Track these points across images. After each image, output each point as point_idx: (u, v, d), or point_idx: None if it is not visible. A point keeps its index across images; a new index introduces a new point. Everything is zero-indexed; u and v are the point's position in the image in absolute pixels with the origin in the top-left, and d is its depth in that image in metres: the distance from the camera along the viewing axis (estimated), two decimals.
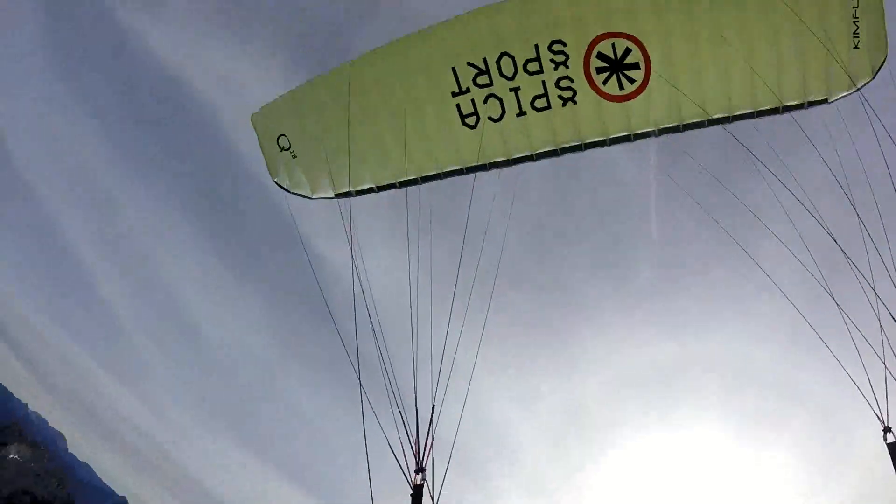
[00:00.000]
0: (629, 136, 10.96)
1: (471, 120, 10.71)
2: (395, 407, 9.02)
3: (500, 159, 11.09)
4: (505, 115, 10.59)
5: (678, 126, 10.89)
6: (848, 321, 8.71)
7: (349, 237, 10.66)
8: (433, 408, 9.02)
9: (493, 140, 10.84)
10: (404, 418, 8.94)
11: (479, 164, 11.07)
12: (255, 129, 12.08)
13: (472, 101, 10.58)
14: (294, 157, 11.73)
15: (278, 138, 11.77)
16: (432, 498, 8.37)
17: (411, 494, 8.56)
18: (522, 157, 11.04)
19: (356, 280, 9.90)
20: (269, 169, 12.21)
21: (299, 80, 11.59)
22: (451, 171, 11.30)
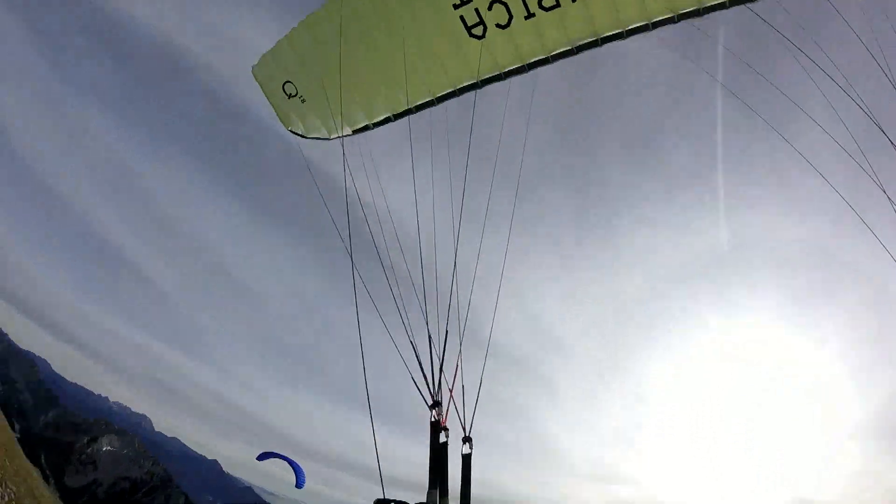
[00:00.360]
0: (647, 24, 10.12)
1: (478, 30, 10.03)
2: (409, 331, 8.20)
3: (515, 66, 10.39)
4: (513, 20, 9.84)
5: (698, 10, 9.99)
6: (892, 200, 8.10)
7: (345, 161, 10.22)
8: (446, 333, 8.23)
9: (504, 47, 10.14)
10: (424, 347, 8.07)
11: (494, 74, 10.44)
12: (257, 81, 11.68)
13: (476, 10, 9.84)
14: (303, 101, 11.31)
15: (283, 85, 11.36)
16: (463, 428, 7.61)
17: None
18: (537, 60, 10.33)
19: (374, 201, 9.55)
20: (280, 119, 11.85)
21: (293, 21, 11.06)
22: (467, 86, 10.68)
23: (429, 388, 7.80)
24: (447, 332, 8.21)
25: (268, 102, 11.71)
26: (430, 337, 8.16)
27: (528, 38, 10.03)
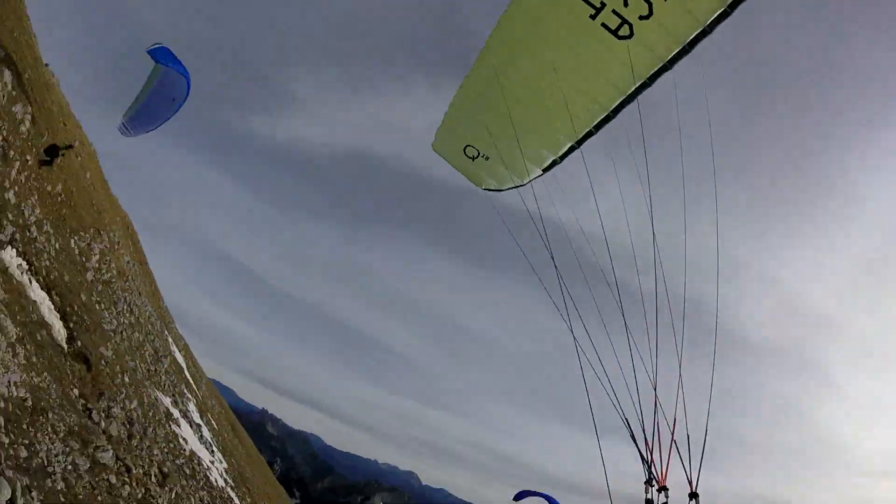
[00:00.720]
0: None
1: (624, 30, 9.90)
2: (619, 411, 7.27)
3: (675, 52, 10.03)
4: (653, 6, 9.58)
5: None
6: None
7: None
8: (656, 400, 7.21)
9: (657, 37, 9.90)
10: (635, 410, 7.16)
11: (657, 68, 10.17)
12: (440, 155, 12.45)
13: (613, 11, 9.70)
14: (487, 159, 11.88)
15: (464, 150, 12.01)
16: (690, 483, 6.59)
17: None
18: (695, 37, 9.87)
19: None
20: (472, 181, 12.50)
21: (450, 91, 11.74)
22: (636, 89, 10.51)
23: (646, 466, 6.94)
24: (656, 410, 7.15)
25: (456, 171, 12.44)
26: (642, 420, 7.22)
27: (676, 18, 9.69)
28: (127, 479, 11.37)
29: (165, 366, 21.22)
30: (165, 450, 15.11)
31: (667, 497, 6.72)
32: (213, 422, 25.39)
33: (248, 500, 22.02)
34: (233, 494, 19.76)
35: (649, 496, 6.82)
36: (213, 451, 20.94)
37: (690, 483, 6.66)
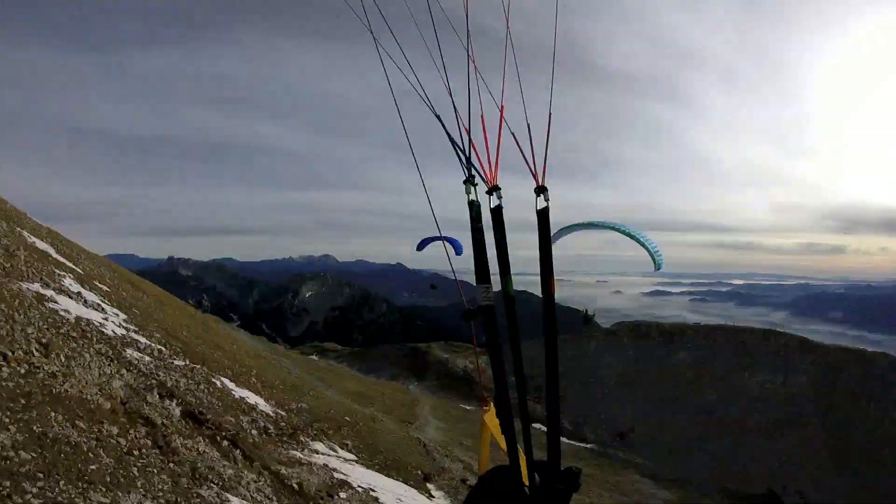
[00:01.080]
0: None
1: None
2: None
3: None
4: None
5: None
6: None
7: None
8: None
9: None
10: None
11: None
12: None
13: None
14: None
15: None
16: (534, 177, 5.84)
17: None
18: None
19: None
20: None
21: None
22: None
23: (462, 162, 6.07)
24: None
25: None
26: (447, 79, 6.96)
27: None
28: (4, 363, 10.75)
29: (23, 257, 19.42)
30: (44, 326, 14.22)
31: (499, 198, 5.68)
32: (102, 286, 24.18)
33: (158, 335, 21.66)
34: (138, 336, 19.41)
35: (472, 197, 5.75)
36: (104, 310, 20.01)
37: (535, 176, 5.63)
